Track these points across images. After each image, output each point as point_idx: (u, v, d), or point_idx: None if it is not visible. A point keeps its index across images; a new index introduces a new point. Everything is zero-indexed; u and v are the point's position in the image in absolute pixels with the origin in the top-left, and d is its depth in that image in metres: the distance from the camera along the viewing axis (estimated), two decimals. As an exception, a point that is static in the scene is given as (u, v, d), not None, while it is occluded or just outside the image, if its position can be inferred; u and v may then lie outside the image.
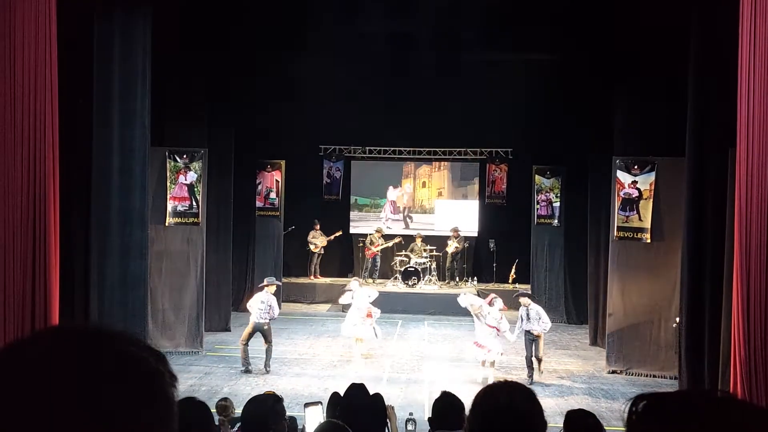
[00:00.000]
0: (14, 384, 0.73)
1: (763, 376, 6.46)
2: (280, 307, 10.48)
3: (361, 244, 16.54)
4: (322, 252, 16.52)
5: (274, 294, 10.14)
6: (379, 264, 16.42)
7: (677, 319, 9.59)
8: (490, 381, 8.76)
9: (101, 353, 0.77)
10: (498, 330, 9.58)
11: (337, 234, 16.42)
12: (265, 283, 10.15)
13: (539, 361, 9.76)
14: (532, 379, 9.55)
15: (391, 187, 17.70)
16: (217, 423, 4.77)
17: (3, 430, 0.72)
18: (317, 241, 16.36)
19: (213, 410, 4.75)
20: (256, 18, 11.30)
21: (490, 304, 9.71)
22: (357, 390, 3.99)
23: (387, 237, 16.51)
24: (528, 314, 9.65)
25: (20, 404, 0.72)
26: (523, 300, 9.77)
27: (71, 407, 0.72)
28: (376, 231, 16.46)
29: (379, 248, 16.20)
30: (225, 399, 5.56)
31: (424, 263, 15.84)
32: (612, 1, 10.21)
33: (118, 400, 0.74)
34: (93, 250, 8.71)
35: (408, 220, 17.72)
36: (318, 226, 16.42)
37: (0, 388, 0.73)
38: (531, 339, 9.67)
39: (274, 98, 14.48)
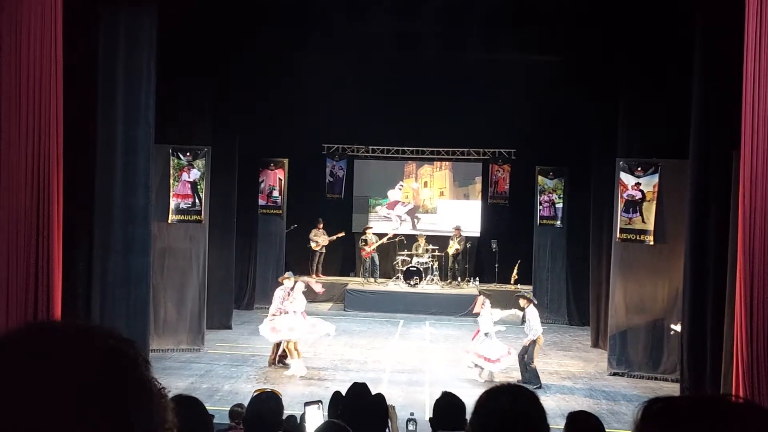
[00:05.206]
0: None
1: (765, 378, 6.44)
2: (282, 301, 9.99)
3: (362, 243, 16.54)
4: (324, 251, 16.52)
5: (291, 287, 10.03)
6: (378, 263, 16.42)
7: (672, 326, 9.57)
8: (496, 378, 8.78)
9: (78, 346, 0.77)
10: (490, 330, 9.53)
11: (340, 234, 16.42)
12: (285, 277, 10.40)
13: (527, 365, 9.50)
14: (526, 381, 9.31)
15: (400, 183, 17.69)
16: (227, 428, 4.75)
17: None
18: (319, 239, 16.37)
19: (210, 408, 4.73)
20: (261, 17, 11.30)
21: (482, 306, 9.67)
22: (359, 390, 3.99)
23: (380, 234, 16.52)
24: (523, 317, 9.59)
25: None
26: (521, 302, 9.73)
27: (53, 402, 0.72)
28: (367, 229, 16.45)
29: (374, 246, 16.19)
30: (239, 405, 5.37)
31: (426, 263, 15.84)
32: (616, 2, 10.19)
33: (100, 394, 0.75)
34: (96, 247, 8.72)
35: (415, 220, 17.71)
36: (321, 225, 16.43)
37: None
38: (525, 343, 9.56)
39: (278, 96, 14.50)
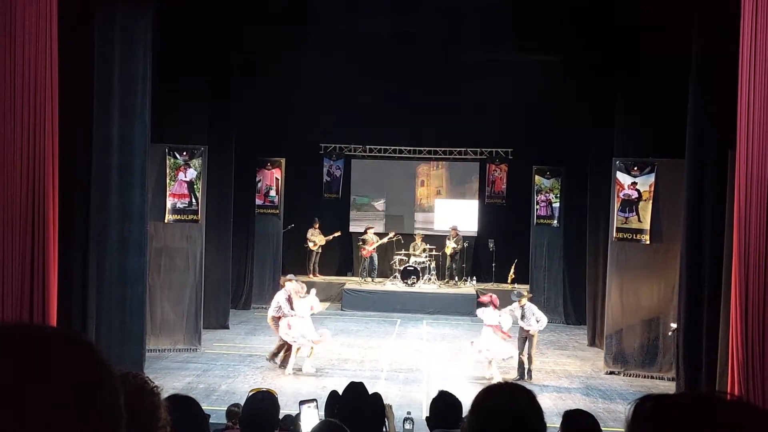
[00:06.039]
0: None
1: (760, 378, 6.46)
2: (290, 304, 9.75)
3: (360, 243, 16.55)
4: (320, 250, 16.52)
5: (294, 289, 9.81)
6: (376, 263, 16.43)
7: (672, 326, 9.61)
8: (495, 380, 8.83)
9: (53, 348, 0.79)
10: (496, 327, 9.64)
11: (336, 235, 16.43)
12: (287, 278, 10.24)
13: (530, 359, 9.76)
14: (520, 377, 9.58)
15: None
16: (224, 428, 4.75)
17: None
18: (316, 239, 16.36)
19: (207, 408, 4.73)
20: (258, 16, 11.29)
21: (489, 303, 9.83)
22: (356, 389, 3.98)
23: (380, 234, 16.53)
24: (523, 313, 9.74)
25: None
26: (522, 299, 9.90)
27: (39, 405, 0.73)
28: (368, 229, 16.47)
29: (374, 246, 16.19)
30: (236, 405, 5.37)
31: (423, 262, 15.85)
32: (614, 2, 10.20)
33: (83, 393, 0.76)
34: (92, 247, 8.70)
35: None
36: (317, 225, 16.42)
37: None
38: (523, 337, 9.78)
39: (275, 96, 14.48)
